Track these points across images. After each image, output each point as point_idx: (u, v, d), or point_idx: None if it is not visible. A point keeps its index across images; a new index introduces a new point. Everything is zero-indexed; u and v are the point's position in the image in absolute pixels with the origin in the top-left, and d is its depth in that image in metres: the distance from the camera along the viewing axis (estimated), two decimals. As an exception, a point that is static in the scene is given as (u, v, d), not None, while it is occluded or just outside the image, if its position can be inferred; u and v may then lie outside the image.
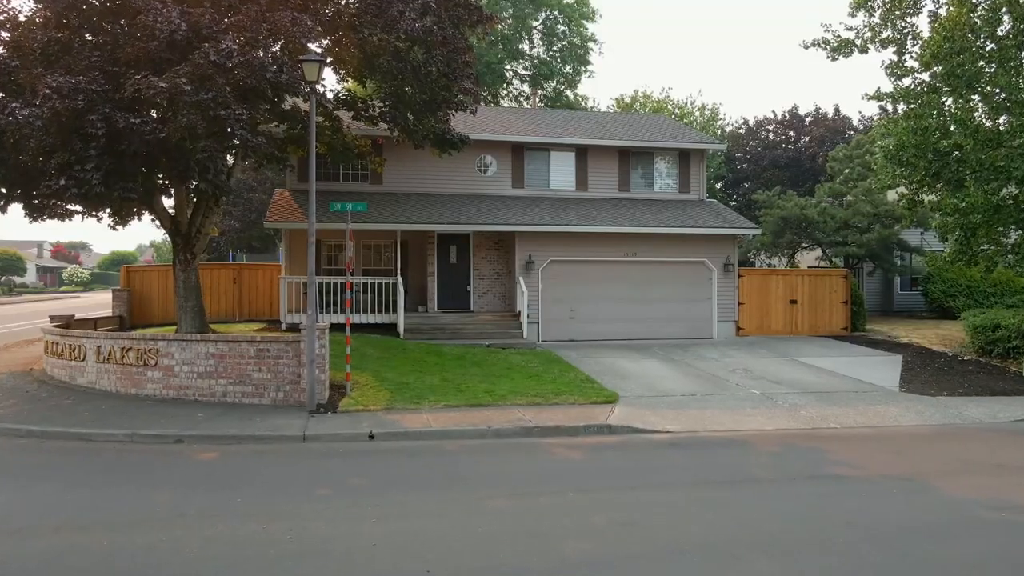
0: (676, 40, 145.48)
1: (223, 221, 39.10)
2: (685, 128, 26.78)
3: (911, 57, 17.28)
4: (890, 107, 18.93)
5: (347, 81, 19.07)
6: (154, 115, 10.95)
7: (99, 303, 38.20)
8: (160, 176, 12.91)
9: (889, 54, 17.42)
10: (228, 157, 16.91)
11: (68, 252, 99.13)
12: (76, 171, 11.19)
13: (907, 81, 17.39)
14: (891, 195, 25.63)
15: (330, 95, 16.92)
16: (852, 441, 10.62)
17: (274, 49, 11.83)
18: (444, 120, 16.57)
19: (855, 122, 42.41)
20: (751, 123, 44.17)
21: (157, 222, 16.16)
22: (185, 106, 10.38)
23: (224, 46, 10.47)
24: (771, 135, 43.35)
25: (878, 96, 17.57)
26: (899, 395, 14.15)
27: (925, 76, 17.16)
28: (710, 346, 19.66)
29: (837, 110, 42.94)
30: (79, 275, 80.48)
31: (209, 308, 23.29)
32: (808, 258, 29.24)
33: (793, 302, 21.77)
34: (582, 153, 22.54)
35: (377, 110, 15.86)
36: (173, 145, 11.11)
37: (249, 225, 37.00)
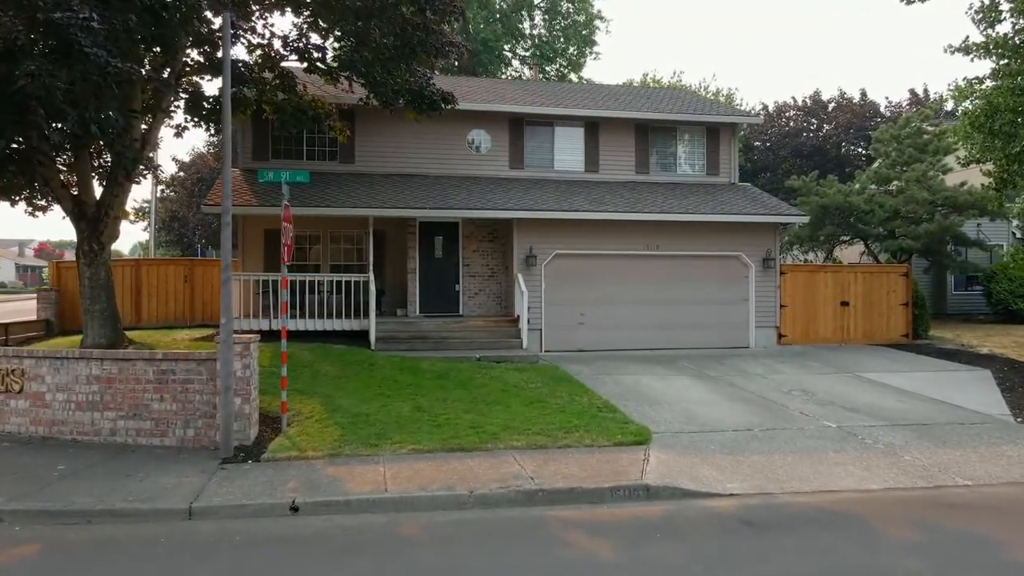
0: (688, 19, 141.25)
1: (195, 215, 35.83)
2: (711, 101, 23.28)
3: (1007, -2, 13.82)
4: (972, 60, 15.45)
5: (309, 37, 15.51)
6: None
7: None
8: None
9: (978, -6, 13.96)
10: (147, 120, 13.41)
11: (53, 251, 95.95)
12: None
13: (1003, 28, 13.93)
14: (949, 180, 22.17)
15: (278, 43, 13.37)
16: (1014, 514, 7.14)
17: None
18: (422, 74, 13.07)
19: (882, 108, 39.01)
20: (770, 109, 40.78)
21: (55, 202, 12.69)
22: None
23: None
24: (792, 122, 39.95)
25: (966, 48, 14.09)
26: (1020, 427, 10.72)
27: (1027, 21, 13.70)
28: (749, 357, 16.17)
29: (864, 95, 39.53)
30: (61, 274, 77.23)
31: (156, 311, 19.96)
32: (848, 253, 25.70)
33: (845, 304, 18.23)
34: (592, 128, 19.03)
35: (332, 53, 12.30)
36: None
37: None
